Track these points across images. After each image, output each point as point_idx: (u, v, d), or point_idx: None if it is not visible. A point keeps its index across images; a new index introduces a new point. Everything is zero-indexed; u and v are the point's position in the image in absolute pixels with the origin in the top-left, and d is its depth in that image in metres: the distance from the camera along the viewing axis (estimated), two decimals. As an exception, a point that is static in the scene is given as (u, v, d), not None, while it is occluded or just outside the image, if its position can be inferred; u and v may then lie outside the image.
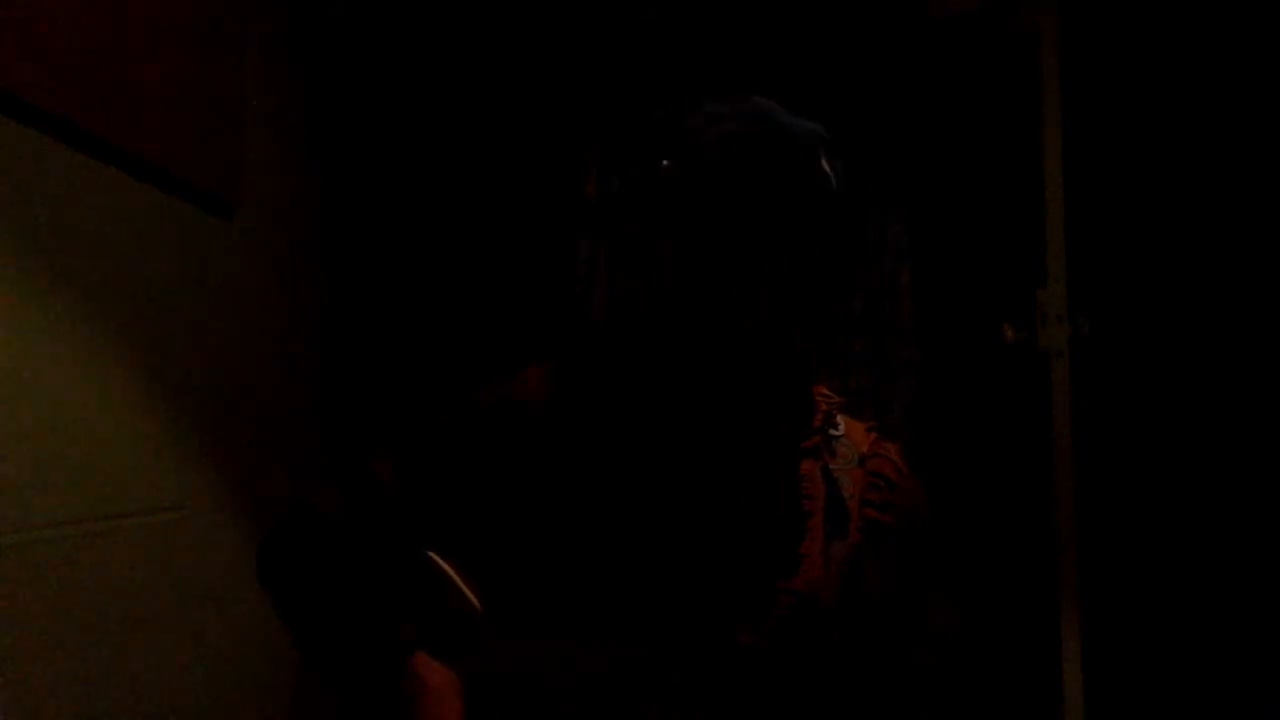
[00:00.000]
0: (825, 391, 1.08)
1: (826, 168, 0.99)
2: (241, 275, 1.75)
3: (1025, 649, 1.98)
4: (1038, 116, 1.97)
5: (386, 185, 2.29)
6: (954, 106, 2.21)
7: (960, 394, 2.20)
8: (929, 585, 1.05)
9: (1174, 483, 1.96)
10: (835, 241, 1.00)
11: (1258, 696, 1.86)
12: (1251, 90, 1.94)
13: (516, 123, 2.28)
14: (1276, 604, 1.87)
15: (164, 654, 1.46)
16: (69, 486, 1.27)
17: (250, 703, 1.71)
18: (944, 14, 2.18)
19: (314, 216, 2.09)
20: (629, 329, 0.99)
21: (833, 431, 1.04)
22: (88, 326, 1.32)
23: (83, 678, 1.27)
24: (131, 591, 1.38)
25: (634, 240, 1.04)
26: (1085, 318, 1.92)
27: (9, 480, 1.16)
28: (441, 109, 2.30)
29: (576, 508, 0.97)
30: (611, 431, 0.99)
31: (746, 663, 0.94)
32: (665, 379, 1.01)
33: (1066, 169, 1.95)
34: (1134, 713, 1.94)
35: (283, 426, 1.91)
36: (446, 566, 1.01)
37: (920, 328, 2.24)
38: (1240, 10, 1.93)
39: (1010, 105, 2.08)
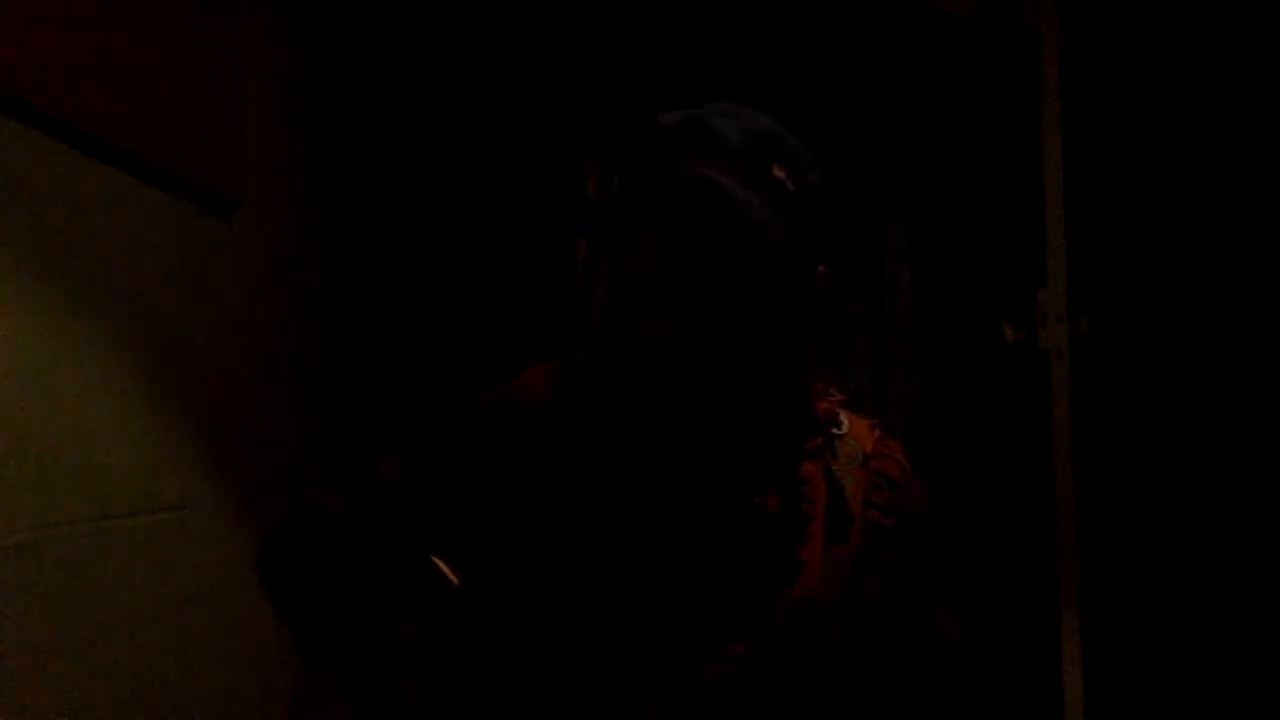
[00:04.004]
0: (828, 389, 1.07)
1: (781, 175, 0.98)
2: (241, 275, 1.74)
3: (1025, 650, 1.98)
4: (1038, 116, 1.97)
5: (387, 184, 2.29)
6: (954, 106, 2.21)
7: (960, 394, 2.20)
8: (932, 588, 1.04)
9: (1174, 483, 1.96)
10: (834, 248, 1.00)
11: (1258, 697, 1.86)
12: (1252, 90, 1.94)
13: (517, 122, 2.28)
14: (1277, 605, 1.87)
15: (164, 654, 1.46)
16: (69, 486, 1.27)
17: (250, 703, 1.71)
18: (944, 13, 2.18)
19: (314, 216, 2.09)
20: (628, 334, 0.99)
21: (835, 430, 1.03)
22: (88, 326, 1.32)
23: (83, 678, 1.27)
24: (131, 591, 1.38)
25: (630, 250, 1.02)
26: (1085, 318, 1.92)
27: (9, 480, 1.16)
28: (443, 108, 2.30)
29: (575, 510, 0.97)
30: (612, 434, 0.99)
31: (743, 668, 0.93)
32: (665, 383, 1.00)
33: (1066, 169, 1.94)
34: (1134, 714, 1.94)
35: (283, 427, 1.91)
36: (448, 570, 1.01)
37: (920, 327, 2.24)
38: (1240, 10, 1.93)
39: (1010, 105, 2.08)
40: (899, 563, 1.00)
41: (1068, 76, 1.96)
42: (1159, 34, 2.00)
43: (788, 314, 0.97)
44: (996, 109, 2.14)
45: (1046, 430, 1.95)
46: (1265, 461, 1.89)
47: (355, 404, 2.18)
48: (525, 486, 0.98)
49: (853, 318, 2.23)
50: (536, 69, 2.28)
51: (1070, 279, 1.93)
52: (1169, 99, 2.00)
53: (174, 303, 1.53)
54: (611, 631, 0.94)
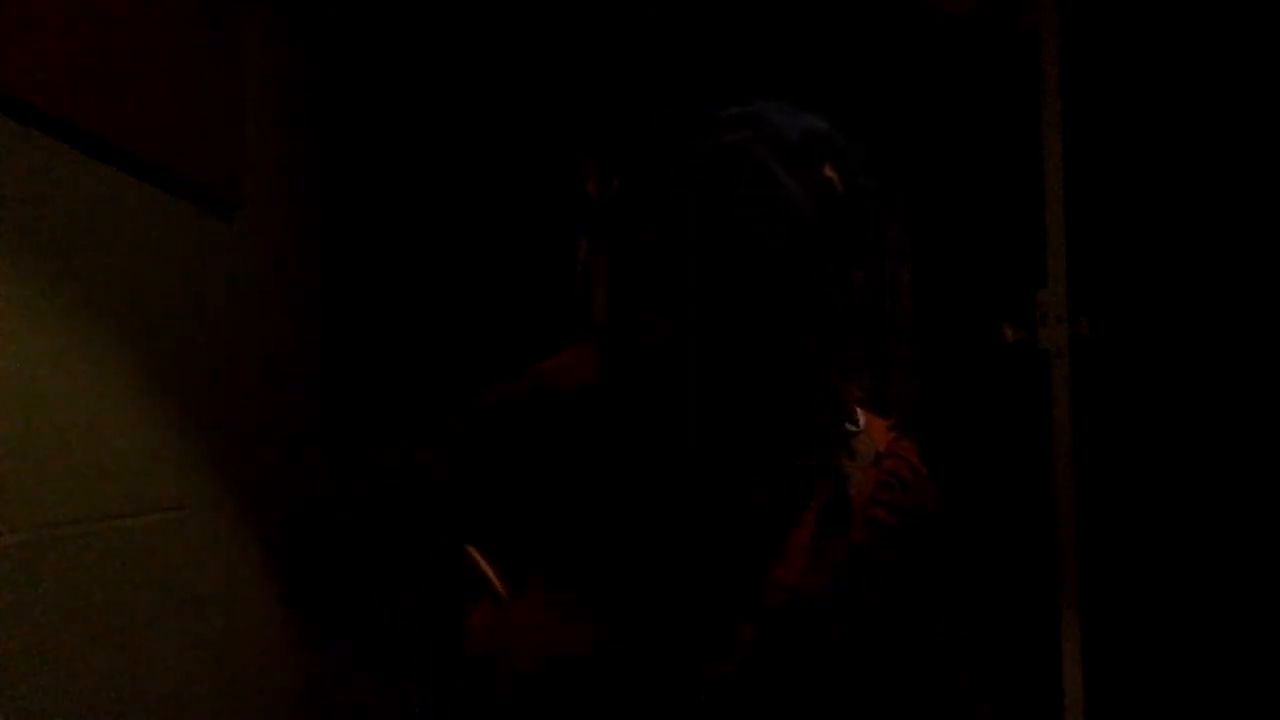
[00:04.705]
0: (848, 387, 1.07)
1: (832, 174, 0.99)
2: (241, 275, 1.74)
3: (1025, 650, 1.98)
4: (1038, 116, 1.97)
5: (388, 183, 2.29)
6: (954, 106, 2.21)
7: (960, 394, 2.20)
8: (937, 588, 1.04)
9: (1174, 483, 1.96)
10: (847, 246, 1.01)
11: (1258, 697, 1.86)
12: (1252, 89, 1.94)
13: (519, 121, 2.28)
14: (1277, 605, 1.87)
15: (164, 654, 1.46)
16: (69, 486, 1.26)
17: (250, 703, 1.71)
18: (944, 13, 2.18)
19: (315, 216, 2.09)
20: (645, 327, 1.00)
21: (850, 427, 1.04)
22: (88, 326, 1.32)
23: (83, 678, 1.27)
24: (131, 591, 1.38)
25: (641, 248, 1.03)
26: (1085, 318, 1.92)
27: (9, 480, 1.15)
28: (444, 107, 2.30)
29: (598, 494, 0.97)
30: (630, 423, 0.99)
31: (744, 666, 0.94)
32: (689, 379, 1.00)
33: (1067, 169, 1.95)
34: (1134, 714, 1.94)
35: (283, 426, 1.91)
36: (481, 560, 1.01)
37: (920, 327, 2.24)
38: (1241, 10, 1.93)
39: (1010, 105, 2.08)
40: (902, 562, 1.00)
41: (1068, 76, 1.96)
42: (1159, 34, 2.00)
43: (808, 308, 0.98)
44: (996, 109, 2.14)
45: (1046, 430, 1.95)
46: (1265, 461, 1.89)
47: (355, 404, 2.18)
48: (557, 469, 0.98)
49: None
50: (537, 69, 2.28)
51: (1070, 279, 1.94)
52: (1169, 99, 2.00)
53: (174, 303, 1.53)
54: (613, 629, 0.94)
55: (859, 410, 1.06)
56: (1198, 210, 1.98)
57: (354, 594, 1.01)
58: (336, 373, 2.16)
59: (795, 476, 1.00)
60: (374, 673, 1.00)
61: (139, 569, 1.40)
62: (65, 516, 1.25)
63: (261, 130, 1.82)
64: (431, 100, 2.30)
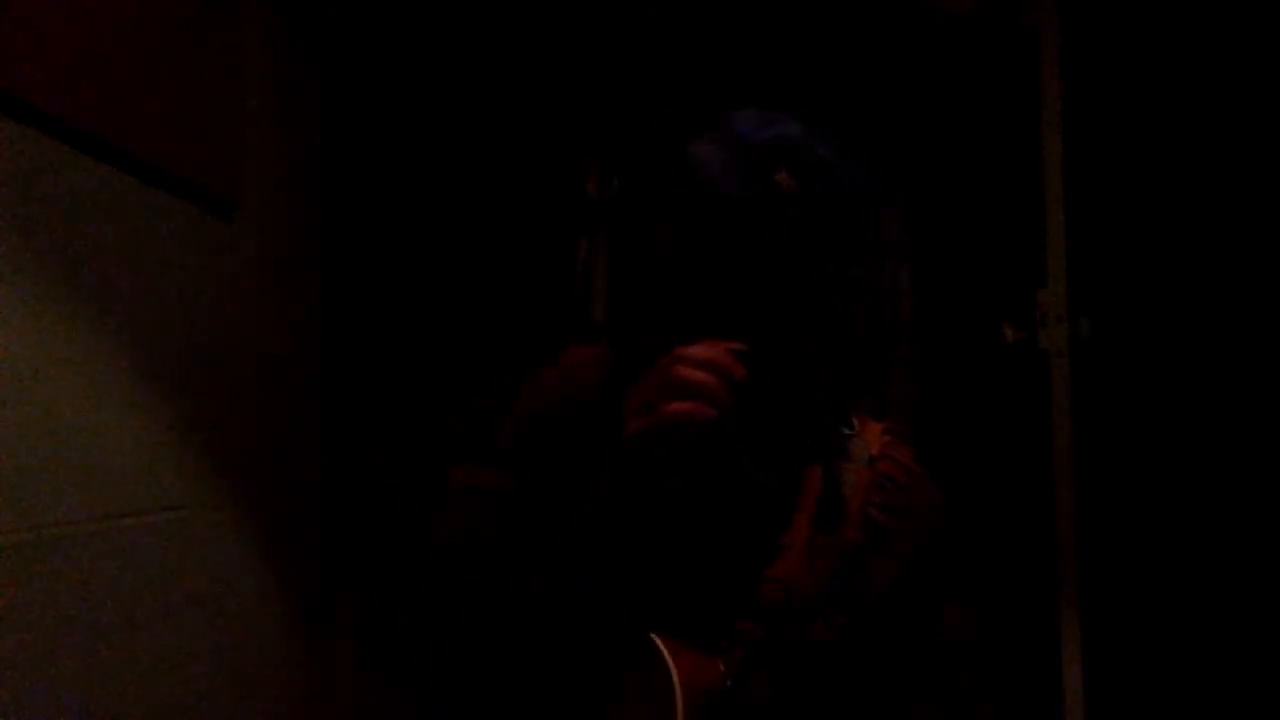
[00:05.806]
0: (851, 392, 1.09)
1: (783, 178, 1.00)
2: (241, 275, 1.75)
3: (1025, 649, 1.98)
4: (1038, 116, 1.97)
5: (388, 183, 2.29)
6: (954, 105, 2.21)
7: (960, 395, 2.20)
8: (938, 589, 1.05)
9: (1174, 483, 1.96)
10: (843, 247, 1.02)
11: (1258, 696, 1.86)
12: (1252, 89, 1.94)
13: (519, 121, 2.28)
14: (1277, 605, 1.87)
15: (164, 654, 1.46)
16: (69, 486, 1.27)
17: (249, 703, 1.71)
18: (944, 13, 2.18)
19: (315, 216, 2.09)
20: (646, 333, 1.01)
21: (846, 430, 1.05)
22: (88, 326, 1.32)
23: (83, 678, 1.27)
24: (132, 591, 1.38)
25: (644, 247, 1.05)
26: (1085, 318, 1.92)
27: (9, 480, 1.16)
28: (443, 106, 2.30)
29: (610, 494, 0.97)
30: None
31: (740, 652, 0.95)
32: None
33: (1067, 169, 1.95)
34: (1134, 713, 1.94)
35: (283, 426, 1.91)
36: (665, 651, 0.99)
37: (920, 327, 2.24)
38: (1241, 9, 1.93)
39: (1010, 105, 2.08)
40: (898, 561, 1.01)
41: (1068, 76, 1.96)
42: (1159, 33, 2.00)
43: (808, 308, 0.99)
44: (996, 109, 2.14)
45: (1046, 430, 1.95)
46: (1266, 461, 1.89)
47: (356, 403, 2.18)
48: (583, 473, 0.99)
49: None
50: (537, 69, 2.28)
51: (1070, 279, 1.94)
52: (1169, 98, 2.00)
53: (174, 303, 1.53)
54: (615, 625, 0.95)
55: (854, 415, 1.07)
56: (1198, 210, 1.98)
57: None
58: (336, 373, 2.16)
59: (792, 477, 1.01)
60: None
61: (139, 569, 1.41)
62: (65, 516, 1.26)
63: (261, 130, 1.82)
64: (432, 100, 2.30)
